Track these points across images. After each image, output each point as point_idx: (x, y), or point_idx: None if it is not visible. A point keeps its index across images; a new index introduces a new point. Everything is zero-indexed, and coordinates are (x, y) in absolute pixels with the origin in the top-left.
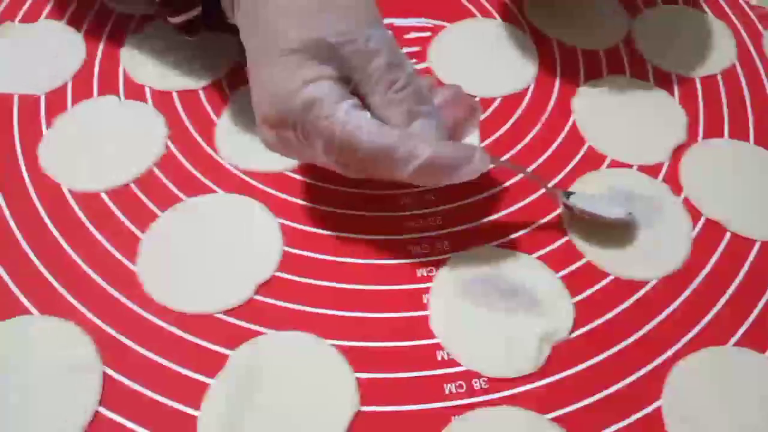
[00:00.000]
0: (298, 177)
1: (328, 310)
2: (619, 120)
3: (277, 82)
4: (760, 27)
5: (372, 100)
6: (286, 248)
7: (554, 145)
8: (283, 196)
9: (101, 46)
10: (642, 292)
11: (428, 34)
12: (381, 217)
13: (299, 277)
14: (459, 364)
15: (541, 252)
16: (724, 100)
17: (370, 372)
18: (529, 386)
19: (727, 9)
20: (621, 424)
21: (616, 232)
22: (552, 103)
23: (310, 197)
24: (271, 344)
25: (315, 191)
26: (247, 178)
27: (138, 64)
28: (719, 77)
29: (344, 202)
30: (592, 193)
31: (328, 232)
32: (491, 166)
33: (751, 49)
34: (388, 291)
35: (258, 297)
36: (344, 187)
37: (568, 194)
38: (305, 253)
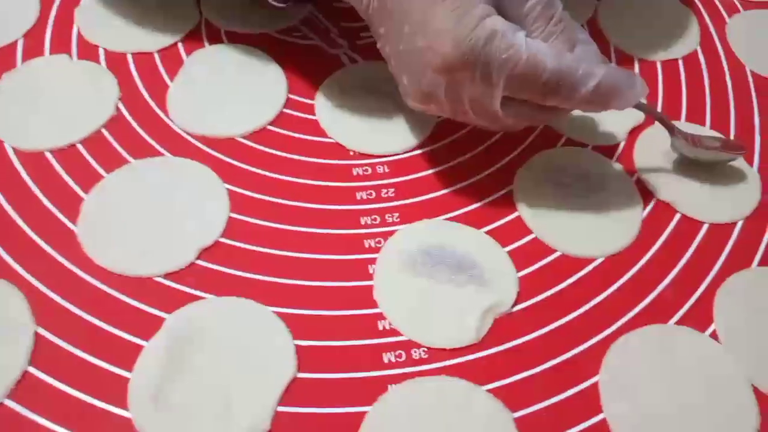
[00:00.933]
0: (249, 143)
1: (272, 277)
2: None
3: (451, 24)
4: (725, 15)
5: (530, 35)
6: (233, 214)
7: None
8: (233, 162)
9: (56, 4)
10: (588, 269)
11: None
12: (332, 187)
13: (244, 244)
14: (400, 334)
15: (490, 227)
16: (683, 85)
17: (309, 339)
18: (468, 357)
19: None
20: (558, 398)
21: (566, 210)
22: None
23: (261, 164)
24: (209, 308)
25: (266, 158)
26: (197, 143)
27: (93, 24)
28: (680, 62)
29: (296, 170)
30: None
31: (277, 200)
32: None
33: (715, 36)
34: (333, 260)
35: (200, 262)
36: (297, 155)
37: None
38: (252, 219)
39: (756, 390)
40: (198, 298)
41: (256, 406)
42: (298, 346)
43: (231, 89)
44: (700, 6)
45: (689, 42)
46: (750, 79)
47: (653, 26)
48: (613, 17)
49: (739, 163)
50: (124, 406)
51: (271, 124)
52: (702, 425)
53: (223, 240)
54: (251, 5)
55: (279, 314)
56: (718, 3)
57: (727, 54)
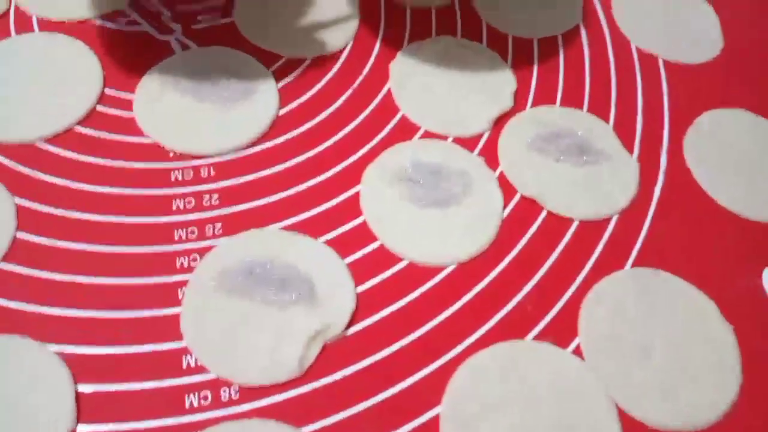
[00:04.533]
0: (50, 148)
1: (55, 309)
2: (439, 87)
3: None
4: None
5: None
6: (20, 234)
7: (365, 113)
8: (27, 171)
9: None
10: (436, 280)
11: None
12: (144, 196)
13: (27, 269)
14: (207, 371)
15: (330, 235)
16: (561, 66)
17: (96, 383)
18: (288, 394)
19: None
20: None
21: (416, 212)
22: (369, 66)
23: (62, 172)
24: None
25: (68, 165)
26: None
27: None
28: (559, 39)
29: (102, 178)
30: None
31: (74, 214)
32: None
33: (599, 11)
34: (135, 286)
35: None
36: (105, 159)
37: None
38: (41, 239)
39: (620, 410)
40: None
41: None
42: (80, 394)
43: (31, 86)
44: None
45: (570, 18)
46: (635, 55)
47: (530, 1)
48: None
49: (614, 149)
50: None
51: (80, 123)
52: None
53: (3, 266)
54: None
55: (60, 354)
56: None
57: (612, 30)
